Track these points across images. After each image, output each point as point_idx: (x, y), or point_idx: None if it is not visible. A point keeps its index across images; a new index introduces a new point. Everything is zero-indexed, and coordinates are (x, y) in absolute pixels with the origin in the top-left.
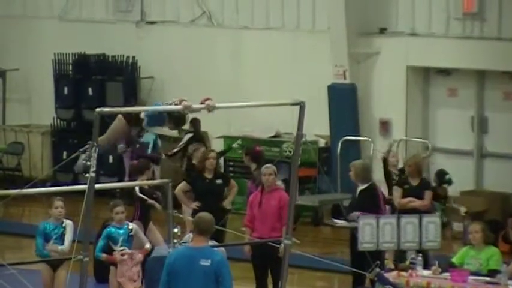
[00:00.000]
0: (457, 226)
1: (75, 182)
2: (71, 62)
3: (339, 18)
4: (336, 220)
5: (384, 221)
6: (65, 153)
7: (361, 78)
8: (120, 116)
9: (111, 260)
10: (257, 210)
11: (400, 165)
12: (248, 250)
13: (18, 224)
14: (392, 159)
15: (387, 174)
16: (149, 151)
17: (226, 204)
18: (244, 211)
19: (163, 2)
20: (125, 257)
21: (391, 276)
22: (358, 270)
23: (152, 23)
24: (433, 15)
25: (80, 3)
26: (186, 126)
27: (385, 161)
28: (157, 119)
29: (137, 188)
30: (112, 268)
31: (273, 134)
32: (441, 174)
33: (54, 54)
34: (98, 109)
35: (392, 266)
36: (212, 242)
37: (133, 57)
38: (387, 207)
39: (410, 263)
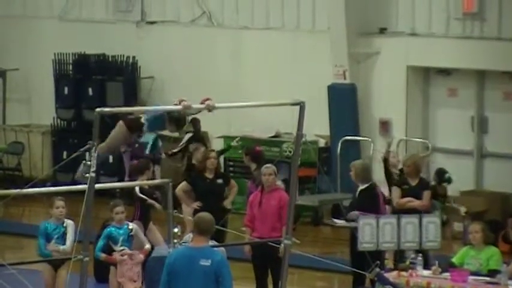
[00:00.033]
0: (457, 226)
1: (75, 182)
2: (71, 62)
3: (339, 18)
4: (335, 220)
5: (383, 221)
6: (65, 153)
7: (361, 78)
8: (121, 122)
9: (110, 260)
10: (257, 210)
11: (401, 166)
12: (248, 250)
13: (19, 224)
14: (393, 159)
15: (388, 175)
16: (147, 151)
17: (227, 204)
18: (244, 211)
19: (163, 2)
20: (125, 257)
21: (391, 276)
22: (358, 270)
23: (152, 23)
24: (433, 15)
25: (80, 3)
26: (186, 126)
27: (385, 161)
28: (157, 123)
29: (137, 188)
30: (112, 268)
31: (273, 134)
32: (441, 173)
33: (54, 54)
34: (98, 109)
35: (392, 266)
36: (212, 242)
37: (134, 57)
38: (387, 207)
39: (411, 263)
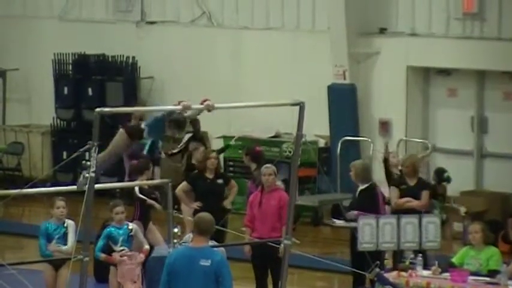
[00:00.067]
0: (457, 226)
1: (75, 182)
2: (70, 62)
3: (339, 18)
4: (335, 220)
5: (383, 221)
6: (65, 153)
7: (361, 78)
8: (121, 130)
9: (110, 260)
10: (257, 210)
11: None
12: (248, 250)
13: (19, 224)
14: (393, 159)
15: (388, 175)
16: (145, 152)
17: (227, 204)
18: (244, 211)
19: (163, 2)
20: (124, 257)
21: (391, 276)
22: (358, 271)
23: (152, 23)
24: (433, 15)
25: (80, 3)
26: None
27: (386, 161)
28: (158, 125)
29: (137, 188)
30: (112, 268)
31: (273, 134)
32: (440, 172)
33: (54, 54)
34: (97, 109)
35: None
36: (212, 242)
37: (133, 57)
38: (387, 207)
39: (410, 263)
